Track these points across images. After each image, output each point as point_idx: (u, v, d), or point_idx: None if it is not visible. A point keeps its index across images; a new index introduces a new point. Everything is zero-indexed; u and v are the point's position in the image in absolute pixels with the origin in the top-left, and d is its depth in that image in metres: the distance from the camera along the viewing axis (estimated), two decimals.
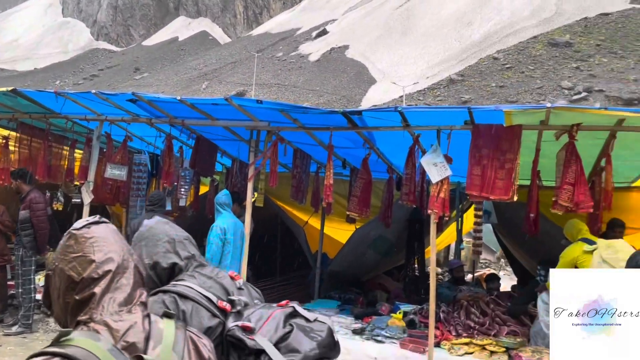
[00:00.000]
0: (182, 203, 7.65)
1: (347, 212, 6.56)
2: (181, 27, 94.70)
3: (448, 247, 12.39)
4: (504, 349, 4.74)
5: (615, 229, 5.49)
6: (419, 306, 6.10)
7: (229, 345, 1.75)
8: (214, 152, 7.45)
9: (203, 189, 8.74)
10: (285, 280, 8.59)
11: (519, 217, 6.42)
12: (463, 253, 9.97)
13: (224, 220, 5.73)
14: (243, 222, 5.85)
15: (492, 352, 4.69)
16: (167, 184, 6.88)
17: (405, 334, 5.22)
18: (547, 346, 4.96)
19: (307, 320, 1.86)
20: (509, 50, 46.43)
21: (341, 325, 5.62)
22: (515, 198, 4.97)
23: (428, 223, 5.34)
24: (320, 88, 52.79)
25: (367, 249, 7.95)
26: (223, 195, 5.92)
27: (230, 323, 1.76)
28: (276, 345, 1.73)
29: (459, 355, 4.73)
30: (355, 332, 5.29)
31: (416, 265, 8.23)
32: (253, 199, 6.37)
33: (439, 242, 10.01)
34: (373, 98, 47.65)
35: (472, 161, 5.14)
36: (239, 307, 1.84)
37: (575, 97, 33.18)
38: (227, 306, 1.81)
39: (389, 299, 7.22)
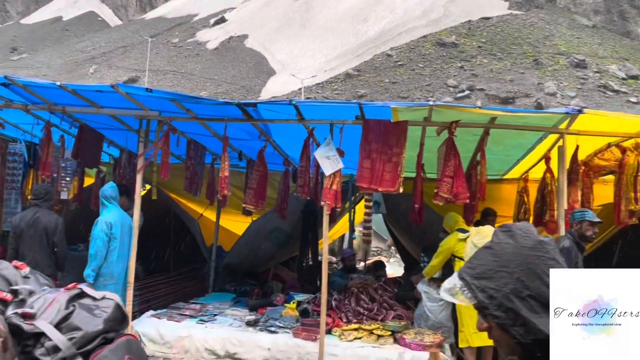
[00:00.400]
0: (63, 196, 7.11)
1: (243, 205, 6.53)
2: (66, 6, 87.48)
3: (342, 237, 12.79)
4: (390, 332, 5.01)
5: (488, 218, 6.03)
6: (313, 295, 6.26)
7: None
8: (100, 142, 7.02)
9: (88, 181, 8.20)
10: (179, 275, 8.36)
11: (406, 208, 6.80)
12: (355, 242, 10.36)
13: (109, 215, 5.44)
14: (132, 215, 5.60)
15: (379, 336, 4.94)
16: (45, 175, 6.37)
17: (299, 323, 5.33)
18: (429, 328, 5.36)
19: (94, 299, 1.97)
20: (401, 48, 48.66)
21: (235, 318, 5.61)
22: (402, 190, 5.26)
23: (322, 214, 5.48)
24: (218, 77, 51.68)
25: (263, 241, 7.97)
26: (109, 188, 5.61)
27: (10, 312, 1.81)
28: (58, 326, 1.81)
29: (348, 341, 4.93)
30: (249, 323, 5.30)
31: (310, 256, 8.41)
32: (143, 192, 6.11)
33: (333, 233, 10.31)
34: (272, 89, 47.62)
35: (363, 154, 5.35)
36: (22, 296, 1.88)
37: (459, 94, 35.66)
38: (8, 296, 1.85)
39: (284, 290, 7.32)
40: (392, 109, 5.13)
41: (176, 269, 8.54)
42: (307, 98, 36.17)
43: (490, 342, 4.53)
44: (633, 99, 35.34)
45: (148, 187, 7.47)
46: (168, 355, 5.04)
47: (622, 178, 5.38)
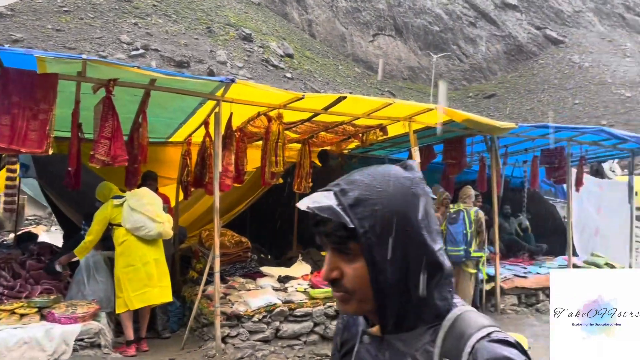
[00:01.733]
0: None
1: None
2: None
3: None
4: (37, 309, 4.53)
5: (147, 181, 6.00)
6: None
7: None
8: None
9: None
10: None
11: (63, 170, 6.18)
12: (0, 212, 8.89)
13: None
14: None
15: (22, 315, 4.41)
16: None
17: None
18: (85, 297, 5.05)
19: None
20: None
21: None
22: (51, 151, 4.74)
23: None
24: None
25: None
26: None
27: None
28: None
29: None
30: None
31: None
32: None
33: None
34: None
35: (1, 109, 4.57)
36: None
37: (133, 52, 34.23)
38: None
39: None
40: (37, 59, 4.51)
41: None
42: None
43: (149, 303, 4.60)
44: (288, 75, 40.66)
45: None
46: None
47: (267, 144, 6.11)
